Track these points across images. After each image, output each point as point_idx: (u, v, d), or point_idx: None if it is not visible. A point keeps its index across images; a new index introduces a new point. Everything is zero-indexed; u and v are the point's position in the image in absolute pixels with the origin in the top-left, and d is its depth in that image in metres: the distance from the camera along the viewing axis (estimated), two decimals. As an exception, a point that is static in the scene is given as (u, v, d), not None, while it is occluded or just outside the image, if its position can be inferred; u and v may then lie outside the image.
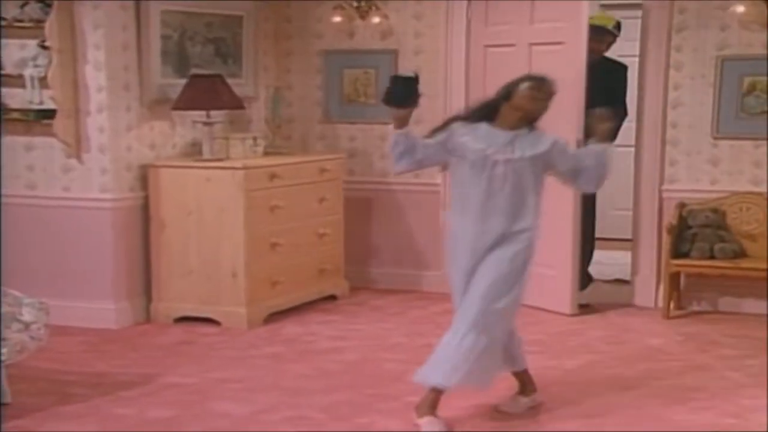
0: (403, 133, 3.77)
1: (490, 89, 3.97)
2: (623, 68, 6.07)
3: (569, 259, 5.62)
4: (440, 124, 3.91)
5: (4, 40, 5.22)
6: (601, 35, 5.84)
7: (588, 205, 5.84)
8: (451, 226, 3.96)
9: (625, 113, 5.90)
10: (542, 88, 3.83)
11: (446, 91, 6.07)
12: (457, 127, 3.85)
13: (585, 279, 5.95)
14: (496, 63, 5.80)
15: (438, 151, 3.85)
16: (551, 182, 3.98)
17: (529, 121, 3.86)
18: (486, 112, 3.87)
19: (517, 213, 3.80)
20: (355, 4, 6.17)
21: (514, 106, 3.81)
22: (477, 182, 3.79)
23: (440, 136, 3.84)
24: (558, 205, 5.41)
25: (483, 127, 3.83)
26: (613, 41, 6.02)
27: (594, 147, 3.91)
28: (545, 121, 3.89)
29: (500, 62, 5.76)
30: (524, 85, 3.82)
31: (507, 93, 3.84)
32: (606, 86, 5.59)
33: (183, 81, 5.49)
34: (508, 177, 3.77)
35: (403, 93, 3.68)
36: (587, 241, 5.93)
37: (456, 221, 3.90)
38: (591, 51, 5.57)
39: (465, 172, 3.82)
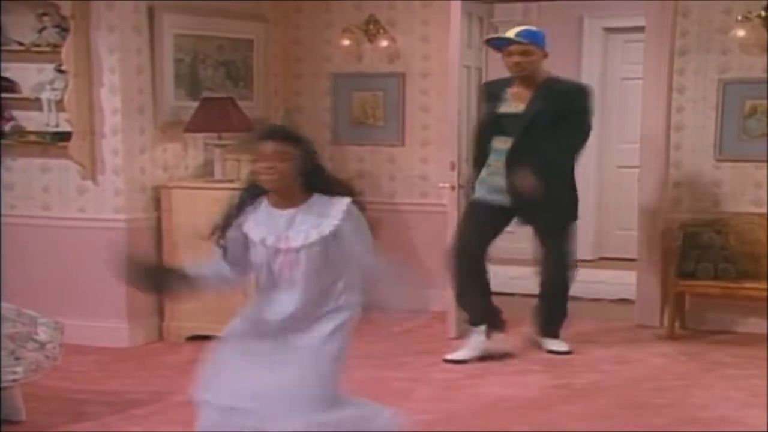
0: (189, 284, 3.02)
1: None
2: (577, 89, 5.13)
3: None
4: (223, 217, 3.08)
5: (22, 64, 5.26)
6: (505, 46, 4.94)
7: (555, 238, 5.10)
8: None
9: (580, 138, 5.03)
10: (265, 153, 2.90)
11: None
12: (240, 215, 3.04)
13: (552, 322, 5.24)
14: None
15: (240, 250, 3.02)
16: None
17: (307, 186, 2.97)
18: (258, 189, 3.02)
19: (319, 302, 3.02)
20: (363, 27, 6.21)
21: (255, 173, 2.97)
22: (263, 275, 3.01)
23: (230, 234, 3.03)
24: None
25: (263, 206, 3.01)
26: (538, 51, 4.93)
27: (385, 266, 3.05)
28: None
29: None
30: (257, 145, 2.95)
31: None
32: (556, 110, 4.86)
33: (195, 103, 5.51)
34: (296, 265, 2.95)
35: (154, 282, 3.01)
36: (557, 282, 5.19)
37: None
38: (510, 67, 4.95)
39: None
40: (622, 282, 6.66)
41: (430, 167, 6.17)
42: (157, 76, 5.44)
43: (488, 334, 5.09)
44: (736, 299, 5.55)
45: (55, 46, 5.14)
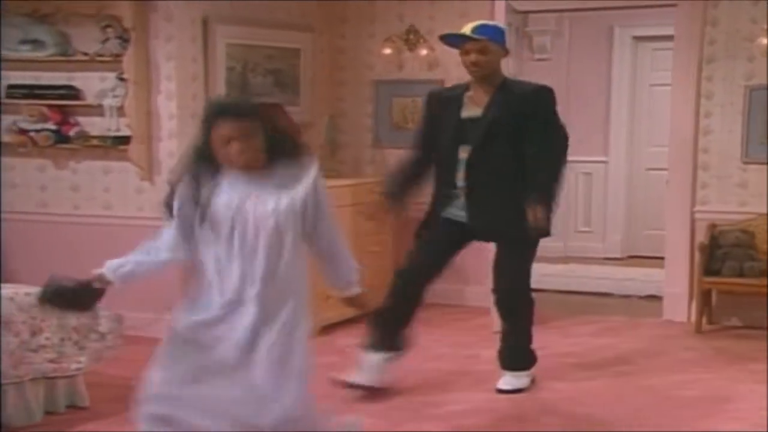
0: (119, 279, 2.95)
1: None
2: (538, 90, 4.24)
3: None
4: (168, 192, 2.91)
5: (87, 73, 5.38)
6: (461, 44, 4.20)
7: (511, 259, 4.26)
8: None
9: (558, 148, 4.20)
10: (230, 134, 2.68)
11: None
12: (192, 185, 2.82)
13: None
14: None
15: (186, 228, 2.85)
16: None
17: (272, 153, 2.77)
18: (209, 159, 2.79)
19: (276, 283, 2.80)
20: (404, 37, 6.26)
21: (218, 152, 2.73)
22: (218, 246, 2.81)
23: (175, 206, 2.85)
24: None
25: (219, 177, 2.80)
26: (496, 49, 4.17)
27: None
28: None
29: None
30: (216, 124, 2.71)
31: (206, 133, 2.75)
32: (517, 113, 4.11)
33: (246, 110, 5.59)
34: (260, 237, 2.75)
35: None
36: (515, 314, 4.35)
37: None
38: (467, 67, 4.19)
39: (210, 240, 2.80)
40: (651, 279, 6.64)
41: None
42: (210, 83, 5.53)
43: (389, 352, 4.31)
44: (760, 296, 5.51)
45: (117, 55, 5.25)
